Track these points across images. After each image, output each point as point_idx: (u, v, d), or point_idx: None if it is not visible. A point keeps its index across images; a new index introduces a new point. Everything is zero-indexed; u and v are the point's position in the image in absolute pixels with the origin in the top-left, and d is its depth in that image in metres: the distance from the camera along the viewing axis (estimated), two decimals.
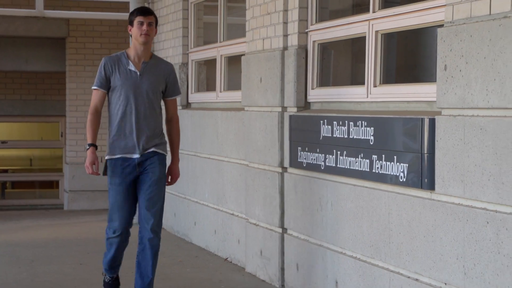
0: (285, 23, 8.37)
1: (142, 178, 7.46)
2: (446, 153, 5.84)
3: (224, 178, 10.21)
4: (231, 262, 9.80)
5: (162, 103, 7.75)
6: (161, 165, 7.51)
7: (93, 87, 7.50)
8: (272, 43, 8.61)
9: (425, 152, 6.07)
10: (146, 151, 7.44)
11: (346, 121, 7.14)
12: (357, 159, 6.98)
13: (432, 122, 6.00)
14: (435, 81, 5.99)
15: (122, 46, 15.90)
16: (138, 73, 7.40)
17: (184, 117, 11.61)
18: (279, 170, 8.46)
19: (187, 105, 11.81)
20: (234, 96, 10.13)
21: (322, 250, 7.63)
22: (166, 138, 7.79)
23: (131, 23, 7.43)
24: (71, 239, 11.68)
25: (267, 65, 8.70)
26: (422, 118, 6.11)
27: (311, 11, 8.15)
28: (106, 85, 7.43)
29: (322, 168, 7.57)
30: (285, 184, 8.40)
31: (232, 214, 9.91)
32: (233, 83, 10.43)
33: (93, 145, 7.47)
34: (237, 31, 10.34)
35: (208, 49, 11.30)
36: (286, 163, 8.35)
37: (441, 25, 5.91)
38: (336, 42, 8.03)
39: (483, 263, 5.46)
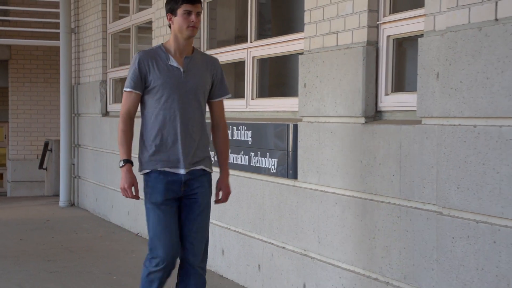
0: None
1: (188, 203, 4.94)
2: (306, 150, 5.90)
3: (135, 170, 10.14)
4: (141, 236, 9.73)
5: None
6: (210, 187, 5.06)
7: (125, 89, 4.89)
8: None
9: (290, 150, 6.11)
10: (193, 167, 4.92)
11: (231, 126, 7.11)
12: (239, 155, 7.00)
13: (295, 127, 6.05)
14: (298, 95, 6.04)
15: (54, 67, 15.80)
16: (182, 70, 4.86)
17: (104, 123, 11.53)
18: None
19: (107, 114, 11.69)
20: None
21: (212, 226, 7.63)
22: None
23: (172, 11, 4.86)
24: (12, 219, 11.46)
25: None
26: (288, 124, 6.16)
27: (202, 40, 8.17)
28: (142, 86, 4.85)
29: (212, 163, 7.58)
30: None
31: (142, 198, 9.85)
32: None
33: (129, 162, 4.84)
34: None
35: (122, 69, 11.19)
36: None
37: (302, 53, 5.97)
38: (223, 65, 8.06)
39: (332, 234, 5.56)
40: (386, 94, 5.21)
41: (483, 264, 3.97)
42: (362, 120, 5.24)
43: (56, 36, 13.86)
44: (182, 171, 4.84)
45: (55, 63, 14.71)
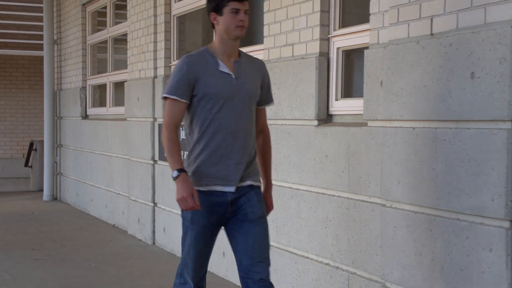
0: (155, 59, 8.32)
1: (237, 222, 3.96)
2: None
3: (112, 168, 10.12)
4: (117, 227, 9.71)
5: None
6: (261, 201, 4.03)
7: (170, 96, 3.88)
8: (146, 73, 8.58)
9: None
10: (242, 184, 3.94)
11: None
12: None
13: None
14: None
15: (38, 75, 15.67)
16: (233, 76, 3.92)
17: (83, 125, 11.47)
18: (151, 162, 8.42)
19: (86, 117, 11.61)
20: (120, 110, 10.01)
21: (180, 218, 7.66)
22: None
23: (217, 10, 3.91)
24: (0, 212, 11.36)
25: (143, 89, 8.64)
26: None
27: (172, 51, 8.13)
28: (189, 94, 3.87)
29: None
30: (155, 172, 8.37)
31: (118, 193, 9.82)
32: (119, 101, 10.35)
33: (184, 171, 3.82)
34: (121, 64, 10.27)
35: (100, 77, 11.14)
36: (156, 157, 8.32)
37: None
38: None
39: (289, 224, 5.58)
40: (336, 100, 5.24)
41: (421, 250, 4.02)
42: (315, 122, 5.26)
43: (40, 47, 13.80)
44: (230, 189, 3.89)
45: (39, 71, 14.56)
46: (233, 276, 6.46)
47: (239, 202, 3.94)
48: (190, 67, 3.88)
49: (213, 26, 4.00)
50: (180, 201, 3.78)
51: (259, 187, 4.06)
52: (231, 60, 3.97)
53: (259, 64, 4.14)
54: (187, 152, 3.98)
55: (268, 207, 4.17)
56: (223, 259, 6.65)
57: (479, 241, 3.63)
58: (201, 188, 3.88)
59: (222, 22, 3.91)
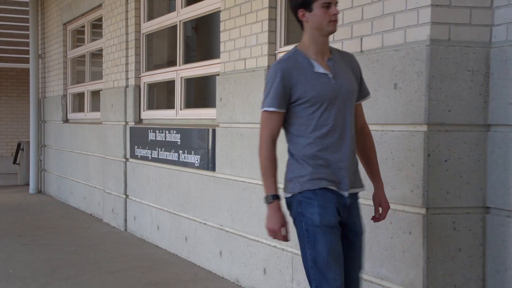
0: (127, 71, 8.24)
1: (349, 234, 3.17)
2: (222, 149, 5.89)
3: (89, 165, 10.00)
4: (94, 216, 9.60)
5: None
6: (360, 214, 3.27)
7: (266, 109, 3.12)
8: (119, 83, 8.50)
9: (210, 148, 6.09)
10: (353, 190, 3.18)
11: (164, 130, 7.11)
12: (170, 153, 6.96)
13: (214, 131, 6.03)
14: (215, 107, 6.02)
15: (25, 84, 15.42)
16: (331, 76, 3.13)
17: (64, 128, 11.31)
18: (124, 160, 8.34)
19: (67, 121, 11.45)
20: (96, 115, 9.89)
21: (149, 208, 7.61)
22: None
23: (306, 6, 3.11)
24: None
25: (116, 97, 8.56)
26: (208, 129, 6.14)
27: (142, 64, 8.12)
28: (286, 103, 3.11)
29: (150, 158, 7.53)
30: (127, 168, 8.29)
31: (95, 187, 9.72)
32: (95, 107, 10.24)
33: (278, 197, 3.10)
34: (97, 75, 10.17)
35: (79, 86, 10.99)
36: (128, 155, 8.24)
37: (218, 74, 5.95)
38: (158, 83, 8.03)
39: (242, 212, 5.58)
40: None
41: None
42: None
43: (26, 60, 13.65)
44: (346, 193, 3.11)
45: (26, 81, 14.34)
46: (194, 257, 6.45)
47: (353, 212, 3.18)
48: (284, 73, 3.10)
49: (300, 24, 3.19)
50: (271, 231, 3.12)
51: (359, 197, 3.26)
52: (324, 58, 3.18)
53: (350, 57, 3.33)
54: (291, 157, 3.14)
55: (385, 206, 3.31)
56: (185, 243, 6.63)
57: (401, 226, 3.68)
58: (325, 185, 3.05)
59: (313, 18, 3.12)
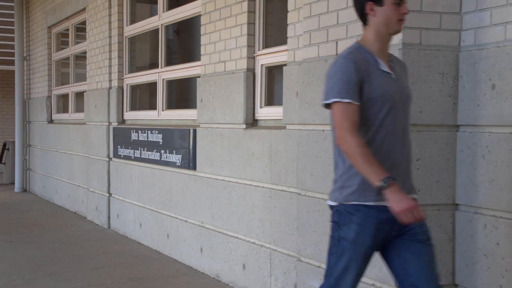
0: (110, 73, 8.21)
1: (405, 242, 2.82)
2: (202, 149, 5.89)
3: (73, 164, 9.93)
4: (78, 214, 9.54)
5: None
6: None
7: (343, 100, 2.70)
8: (102, 85, 8.46)
9: (191, 148, 6.08)
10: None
11: (146, 131, 7.10)
12: (152, 152, 6.94)
13: (195, 131, 6.03)
14: (196, 108, 6.02)
15: (11, 86, 15.25)
16: (394, 76, 2.85)
17: (49, 128, 11.22)
18: (107, 159, 8.29)
19: (51, 121, 11.36)
20: (80, 116, 9.83)
21: (133, 206, 7.59)
22: None
23: (377, 0, 2.81)
24: None
25: (99, 98, 8.51)
26: (189, 129, 6.13)
27: (125, 66, 8.08)
28: (359, 95, 2.73)
29: (132, 158, 7.50)
30: (110, 167, 8.25)
31: (79, 185, 9.66)
32: (79, 108, 10.17)
33: (394, 179, 2.66)
34: (81, 77, 10.10)
35: (63, 88, 10.92)
36: (111, 155, 8.19)
37: (199, 76, 5.95)
38: (141, 85, 8.01)
39: (222, 210, 5.58)
40: (261, 107, 5.27)
41: (329, 230, 4.06)
42: (243, 126, 5.27)
43: (12, 62, 13.55)
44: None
45: (12, 83, 14.19)
46: (176, 253, 6.42)
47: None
48: (357, 65, 2.74)
49: (364, 19, 2.87)
50: (404, 213, 2.64)
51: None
52: (386, 58, 2.88)
53: (405, 66, 3.07)
54: (342, 163, 2.83)
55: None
56: (167, 240, 6.61)
57: None
58: (369, 203, 2.75)
59: (382, 14, 2.81)
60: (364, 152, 2.66)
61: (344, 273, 2.81)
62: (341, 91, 2.71)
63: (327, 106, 2.78)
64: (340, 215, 2.83)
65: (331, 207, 2.91)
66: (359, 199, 2.77)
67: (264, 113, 5.22)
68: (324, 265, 4.06)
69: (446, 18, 3.53)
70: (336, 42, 3.97)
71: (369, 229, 2.77)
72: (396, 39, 3.50)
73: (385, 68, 2.82)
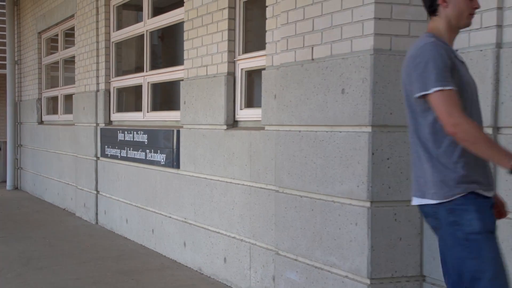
0: (97, 76, 8.16)
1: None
2: (186, 148, 5.87)
3: (63, 163, 9.84)
4: (67, 210, 9.46)
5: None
6: None
7: (445, 88, 2.36)
8: (90, 88, 8.40)
9: (175, 148, 6.05)
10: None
11: (132, 131, 7.05)
12: (138, 152, 6.90)
13: (178, 132, 6.00)
14: (180, 109, 5.99)
15: (3, 89, 15.08)
16: (467, 66, 2.63)
17: (39, 129, 11.12)
18: (95, 158, 8.23)
19: (41, 122, 11.25)
20: (69, 117, 9.73)
21: (118, 202, 7.54)
22: None
23: None
24: None
25: (87, 100, 8.43)
26: (173, 130, 6.10)
27: (111, 70, 8.03)
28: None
29: (119, 157, 7.46)
30: (98, 166, 8.19)
31: (68, 183, 9.57)
32: (68, 110, 10.09)
33: None
34: (70, 80, 10.02)
35: (53, 90, 10.82)
36: (99, 154, 8.13)
37: (182, 80, 5.93)
38: (127, 88, 7.97)
39: (204, 207, 5.56)
40: (241, 109, 5.26)
41: (305, 225, 4.08)
42: (224, 127, 5.26)
43: (4, 66, 13.40)
44: (492, 194, 2.52)
45: (3, 86, 14.03)
46: (161, 248, 6.40)
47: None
48: (447, 52, 2.46)
49: (434, 9, 2.60)
50: None
51: None
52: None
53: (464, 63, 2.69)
54: (438, 158, 2.47)
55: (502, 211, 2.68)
56: (152, 235, 6.58)
57: (348, 218, 3.71)
58: (478, 190, 2.44)
59: (455, 5, 2.56)
60: (482, 136, 2.36)
61: (494, 267, 2.40)
62: (441, 79, 2.40)
63: (421, 97, 2.45)
64: (454, 213, 2.44)
65: (426, 207, 2.53)
66: (470, 188, 2.43)
67: (244, 114, 5.22)
68: (301, 258, 4.08)
69: (414, 25, 3.56)
70: (312, 48, 3.98)
71: (490, 214, 2.46)
72: (368, 45, 3.52)
73: (461, 57, 2.58)
